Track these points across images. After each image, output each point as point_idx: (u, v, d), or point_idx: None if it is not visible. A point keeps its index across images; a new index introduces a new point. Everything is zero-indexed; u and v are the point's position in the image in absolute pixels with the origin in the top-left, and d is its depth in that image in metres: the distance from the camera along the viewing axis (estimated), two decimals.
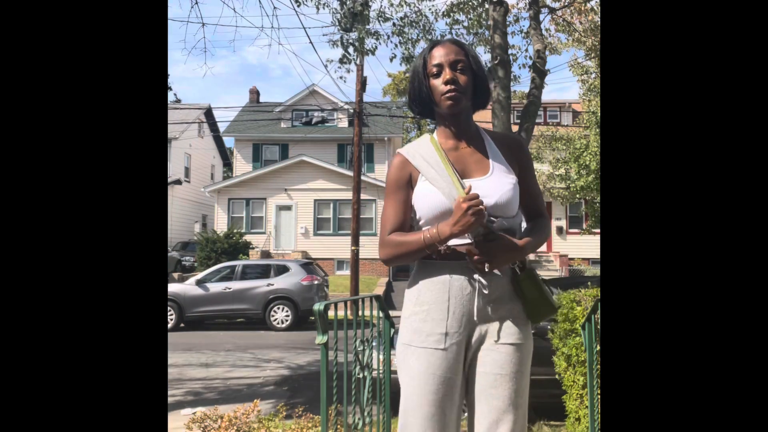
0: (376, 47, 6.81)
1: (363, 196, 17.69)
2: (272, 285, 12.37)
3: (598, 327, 3.33)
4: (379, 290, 17.20)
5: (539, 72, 5.39)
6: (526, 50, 7.60)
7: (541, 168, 14.96)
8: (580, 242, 20.70)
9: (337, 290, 17.19)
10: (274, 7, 27.50)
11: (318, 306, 2.76)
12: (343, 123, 24.25)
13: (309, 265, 13.19)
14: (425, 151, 1.65)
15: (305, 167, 21.57)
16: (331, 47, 6.66)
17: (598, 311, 3.32)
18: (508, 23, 5.83)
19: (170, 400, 5.90)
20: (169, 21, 4.50)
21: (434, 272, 1.59)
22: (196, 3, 6.11)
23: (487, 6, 6.07)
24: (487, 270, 1.55)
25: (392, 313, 3.40)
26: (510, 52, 5.99)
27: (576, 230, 20.80)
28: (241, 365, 8.29)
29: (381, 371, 3.14)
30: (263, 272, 12.83)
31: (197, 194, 25.76)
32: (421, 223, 1.64)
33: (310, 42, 9.15)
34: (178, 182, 24.04)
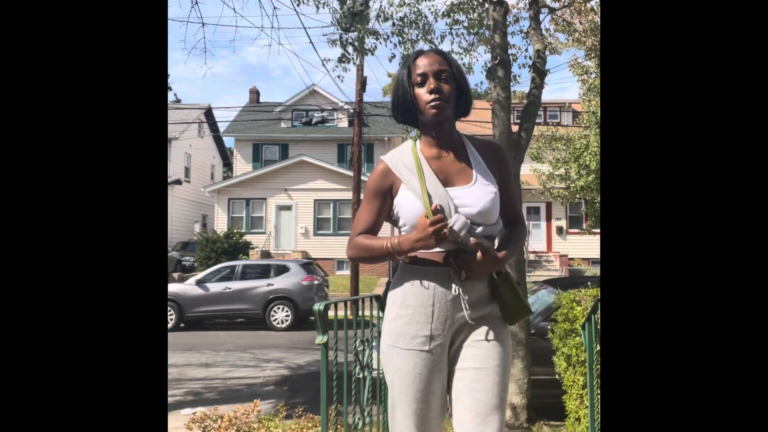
0: (376, 47, 6.81)
1: (363, 196, 17.66)
2: (272, 285, 12.37)
3: (598, 327, 3.33)
4: (379, 290, 17.20)
5: (539, 72, 5.39)
6: (526, 50, 7.60)
7: (541, 168, 14.94)
8: (580, 242, 20.69)
9: (337, 290, 17.19)
10: (274, 7, 27.51)
11: (318, 306, 2.76)
12: (343, 123, 24.25)
13: (309, 265, 13.18)
14: (407, 159, 1.70)
15: (305, 167, 21.56)
16: (330, 47, 6.66)
17: (598, 311, 3.32)
18: (508, 23, 5.83)
19: (170, 400, 5.90)
20: (169, 21, 4.50)
21: (419, 277, 1.65)
22: (196, 3, 6.11)
23: (487, 6, 6.07)
24: (470, 279, 1.62)
25: None
26: (510, 52, 5.99)
27: (576, 230, 20.79)
28: (241, 365, 8.29)
29: (381, 371, 3.14)
30: (263, 272, 12.83)
31: (197, 194, 25.76)
32: (404, 229, 1.70)
33: (311, 42, 9.16)
34: (178, 182, 24.04)
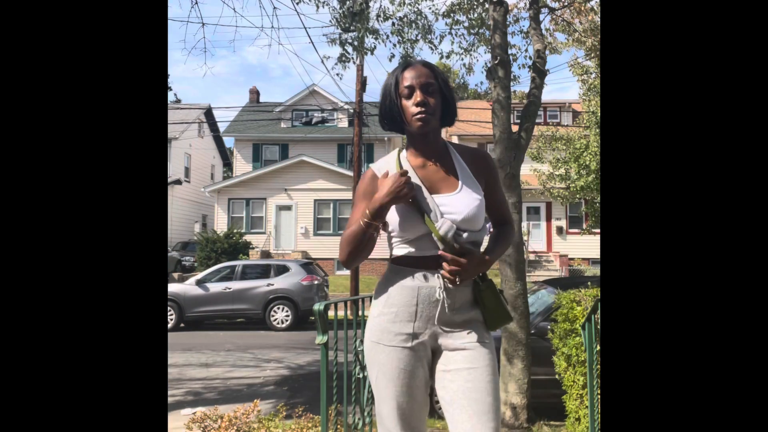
0: (375, 46, 6.81)
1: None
2: (272, 285, 12.36)
3: (598, 327, 3.33)
4: None
5: (539, 72, 5.39)
6: (526, 50, 7.60)
7: (541, 168, 14.93)
8: (580, 242, 20.68)
9: (337, 290, 17.19)
10: (274, 7, 27.51)
11: (318, 306, 2.76)
12: (343, 123, 24.25)
13: (309, 265, 13.18)
14: (393, 168, 1.75)
15: (305, 167, 21.56)
16: (329, 46, 6.66)
17: (598, 311, 3.32)
18: (508, 23, 5.82)
19: (170, 400, 5.90)
20: (169, 21, 4.50)
21: (405, 278, 1.70)
22: (196, 3, 6.11)
23: (487, 6, 6.07)
24: (457, 282, 1.65)
25: None
26: (510, 52, 5.98)
27: (576, 230, 20.78)
28: (241, 365, 8.29)
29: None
30: (263, 272, 12.82)
31: (197, 194, 25.76)
32: (393, 234, 1.74)
33: (311, 41, 9.15)
34: (178, 182, 24.04)
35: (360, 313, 3.02)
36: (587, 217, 15.20)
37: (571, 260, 20.36)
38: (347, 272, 19.29)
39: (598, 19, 7.48)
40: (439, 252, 1.65)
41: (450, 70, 33.82)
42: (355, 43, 6.40)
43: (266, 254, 20.08)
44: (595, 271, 18.39)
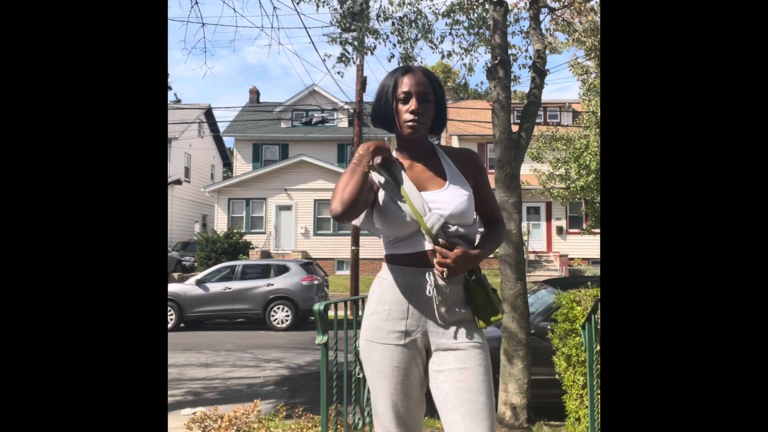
0: (375, 46, 6.81)
1: None
2: (272, 285, 12.36)
3: (598, 327, 3.33)
4: None
5: (539, 72, 5.39)
6: (526, 50, 7.60)
7: (541, 168, 14.92)
8: (580, 242, 20.68)
9: (337, 290, 17.19)
10: (274, 7, 27.49)
11: (318, 306, 2.76)
12: (343, 123, 24.25)
13: (309, 265, 13.17)
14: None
15: (305, 167, 21.56)
16: (330, 45, 6.68)
17: (598, 311, 3.32)
18: (508, 23, 5.82)
19: (170, 400, 5.90)
20: (169, 21, 4.50)
21: (398, 276, 1.72)
22: (196, 3, 6.11)
23: (487, 6, 6.07)
24: (446, 277, 1.66)
25: None
26: (510, 52, 5.98)
27: (576, 230, 20.78)
28: (241, 365, 8.29)
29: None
30: (263, 272, 12.82)
31: (197, 194, 25.75)
32: (385, 234, 1.76)
33: (311, 41, 9.15)
34: (178, 182, 24.03)
35: (360, 313, 3.02)
36: (587, 217, 15.20)
37: (571, 260, 20.36)
38: (347, 272, 19.31)
39: (598, 19, 7.48)
40: (428, 247, 1.67)
41: (450, 70, 33.82)
42: (355, 43, 6.41)
43: (266, 254, 20.08)
44: (595, 271, 18.39)
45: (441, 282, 1.68)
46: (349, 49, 6.49)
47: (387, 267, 1.76)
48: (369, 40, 6.59)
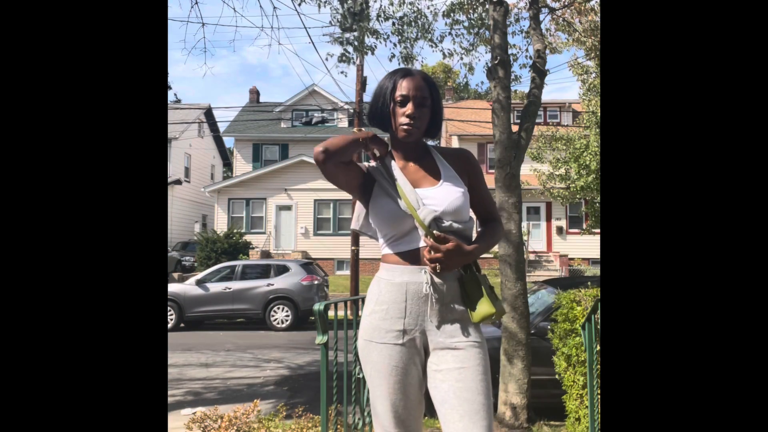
0: (376, 46, 6.82)
1: None
2: (272, 285, 12.36)
3: (598, 327, 3.33)
4: None
5: (539, 72, 5.39)
6: (527, 50, 7.60)
7: (541, 168, 14.92)
8: (580, 242, 20.67)
9: (337, 290, 17.19)
10: (274, 7, 27.49)
11: (318, 306, 2.76)
12: (343, 123, 24.25)
13: (309, 265, 13.17)
14: (379, 165, 1.82)
15: (305, 167, 21.56)
16: (331, 44, 6.69)
17: (598, 311, 3.32)
18: (508, 23, 5.82)
19: (170, 400, 5.90)
20: (169, 21, 4.50)
21: (394, 276, 1.72)
22: (196, 3, 6.11)
23: (487, 6, 6.07)
24: (438, 271, 1.67)
25: None
26: (510, 52, 5.98)
27: (576, 230, 20.77)
28: (241, 365, 8.29)
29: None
30: (263, 272, 12.82)
31: (197, 194, 25.75)
32: (382, 233, 1.77)
33: (311, 41, 9.16)
34: (178, 182, 24.03)
35: (360, 313, 3.02)
36: (587, 217, 15.19)
37: (571, 260, 20.35)
38: (347, 272, 19.31)
39: (598, 19, 7.48)
40: (423, 240, 1.69)
41: (451, 70, 33.81)
42: (356, 43, 6.41)
43: (266, 254, 20.08)
44: (595, 271, 18.38)
45: (437, 279, 1.68)
46: (350, 49, 6.50)
47: (384, 267, 1.77)
48: (369, 40, 6.60)
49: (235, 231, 20.15)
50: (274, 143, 24.37)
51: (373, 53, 6.76)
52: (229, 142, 29.71)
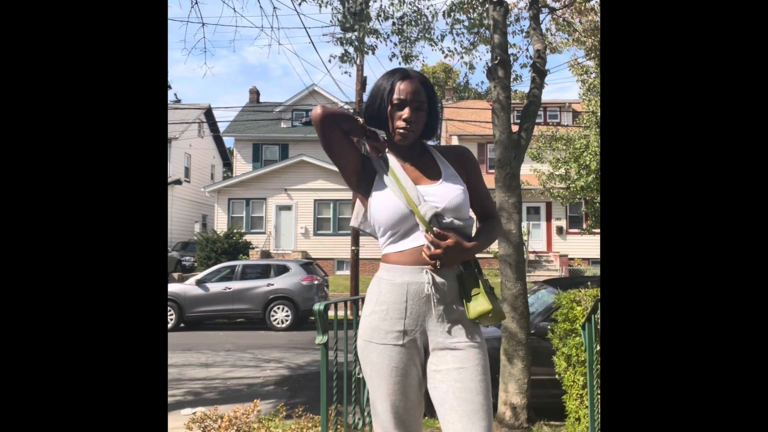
0: (376, 46, 6.82)
1: None
2: (272, 285, 12.36)
3: (598, 327, 3.33)
4: None
5: (539, 72, 5.39)
6: (527, 50, 7.60)
7: (541, 168, 14.91)
8: (580, 242, 20.67)
9: (337, 290, 17.19)
10: (274, 7, 27.50)
11: (318, 306, 2.76)
12: None
13: (309, 265, 13.17)
14: (381, 164, 1.82)
15: (305, 167, 21.57)
16: (334, 44, 6.70)
17: (598, 311, 3.32)
18: (508, 23, 5.82)
19: (170, 400, 5.90)
20: (169, 21, 4.50)
21: (395, 276, 1.72)
22: (196, 3, 6.11)
23: (487, 6, 6.07)
24: (438, 267, 1.67)
25: None
26: (510, 51, 5.98)
27: (576, 230, 20.77)
28: (241, 365, 8.29)
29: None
30: (263, 272, 12.82)
31: (197, 194, 25.75)
32: (382, 231, 1.76)
33: (311, 41, 9.16)
34: (178, 182, 24.04)
35: (360, 313, 3.02)
36: (587, 217, 15.19)
37: (571, 260, 20.35)
38: (347, 272, 19.30)
39: (598, 19, 7.48)
40: (423, 236, 1.68)
41: (451, 69, 33.80)
42: (356, 43, 6.41)
43: (266, 254, 20.08)
44: (595, 271, 18.38)
45: (439, 279, 1.68)
46: (350, 49, 6.51)
47: (384, 267, 1.77)
48: (370, 40, 6.60)
49: (235, 231, 20.15)
50: (274, 143, 24.38)
51: (373, 53, 6.77)
52: (229, 142, 29.75)
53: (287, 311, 12.19)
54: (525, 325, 4.77)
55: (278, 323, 12.15)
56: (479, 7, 6.99)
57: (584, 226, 16.83)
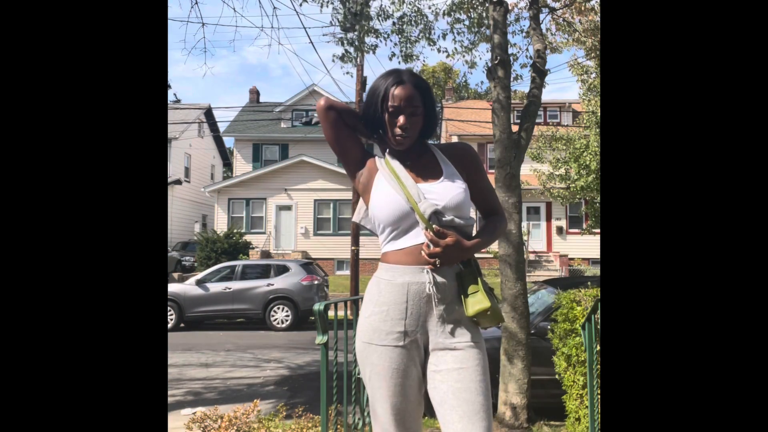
0: (377, 45, 6.82)
1: None
2: (272, 285, 12.36)
3: (598, 327, 3.33)
4: None
5: (539, 72, 5.39)
6: (527, 50, 7.60)
7: (541, 168, 14.91)
8: (580, 242, 20.67)
9: (337, 290, 17.19)
10: (274, 7, 27.51)
11: (318, 306, 2.76)
12: None
13: (309, 265, 13.17)
14: (383, 164, 1.83)
15: (305, 167, 21.56)
16: (335, 44, 6.70)
17: (598, 311, 3.32)
18: (508, 23, 5.83)
19: (170, 400, 5.90)
20: (169, 21, 4.50)
21: (395, 276, 1.71)
22: (196, 3, 6.11)
23: (487, 5, 6.07)
24: (437, 266, 1.66)
25: None
26: (510, 51, 5.98)
27: (576, 230, 20.77)
28: (241, 365, 8.29)
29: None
30: (263, 272, 12.82)
31: (197, 194, 25.75)
32: (382, 229, 1.76)
33: (311, 42, 9.17)
34: (178, 182, 24.04)
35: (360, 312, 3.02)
36: (587, 217, 15.19)
37: (571, 260, 20.35)
38: (347, 272, 19.30)
39: (598, 19, 7.48)
40: (423, 233, 1.68)
41: (451, 69, 33.79)
42: (356, 42, 6.42)
43: (266, 254, 20.08)
44: (595, 271, 18.38)
45: (440, 279, 1.67)
46: (351, 48, 6.51)
47: (384, 266, 1.76)
48: (370, 39, 6.60)
49: (235, 231, 20.15)
50: (274, 143, 24.38)
51: (374, 53, 6.78)
52: (229, 142, 29.74)
53: (287, 311, 12.19)
54: (525, 325, 4.77)
55: (278, 323, 12.15)
56: (479, 7, 6.99)
57: (584, 226, 16.82)
